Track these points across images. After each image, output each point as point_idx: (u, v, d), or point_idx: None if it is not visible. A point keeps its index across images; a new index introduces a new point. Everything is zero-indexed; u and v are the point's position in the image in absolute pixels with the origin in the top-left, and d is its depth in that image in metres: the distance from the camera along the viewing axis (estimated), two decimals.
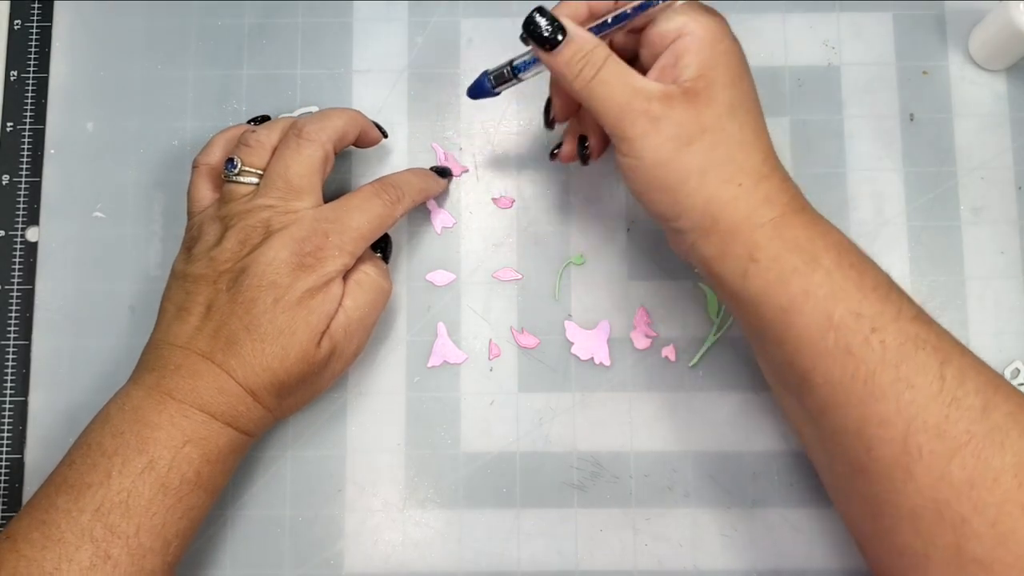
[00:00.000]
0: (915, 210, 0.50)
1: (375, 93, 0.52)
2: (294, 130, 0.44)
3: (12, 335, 0.50)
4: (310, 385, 0.44)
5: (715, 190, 0.38)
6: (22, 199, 0.51)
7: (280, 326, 0.41)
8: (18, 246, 0.51)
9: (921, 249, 0.50)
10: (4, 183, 0.51)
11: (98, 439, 0.40)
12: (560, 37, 0.39)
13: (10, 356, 0.50)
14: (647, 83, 0.39)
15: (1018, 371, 0.48)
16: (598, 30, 0.40)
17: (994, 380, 0.36)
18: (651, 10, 0.39)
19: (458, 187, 0.51)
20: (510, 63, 0.44)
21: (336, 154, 0.46)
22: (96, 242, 0.51)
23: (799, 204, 0.39)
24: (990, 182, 0.50)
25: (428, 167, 0.50)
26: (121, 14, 0.53)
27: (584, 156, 0.46)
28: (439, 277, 0.50)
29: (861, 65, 0.51)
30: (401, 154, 0.51)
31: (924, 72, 0.51)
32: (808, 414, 0.39)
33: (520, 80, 0.44)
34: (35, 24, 0.53)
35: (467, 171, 0.51)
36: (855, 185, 0.50)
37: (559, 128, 0.48)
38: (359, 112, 0.47)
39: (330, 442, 0.48)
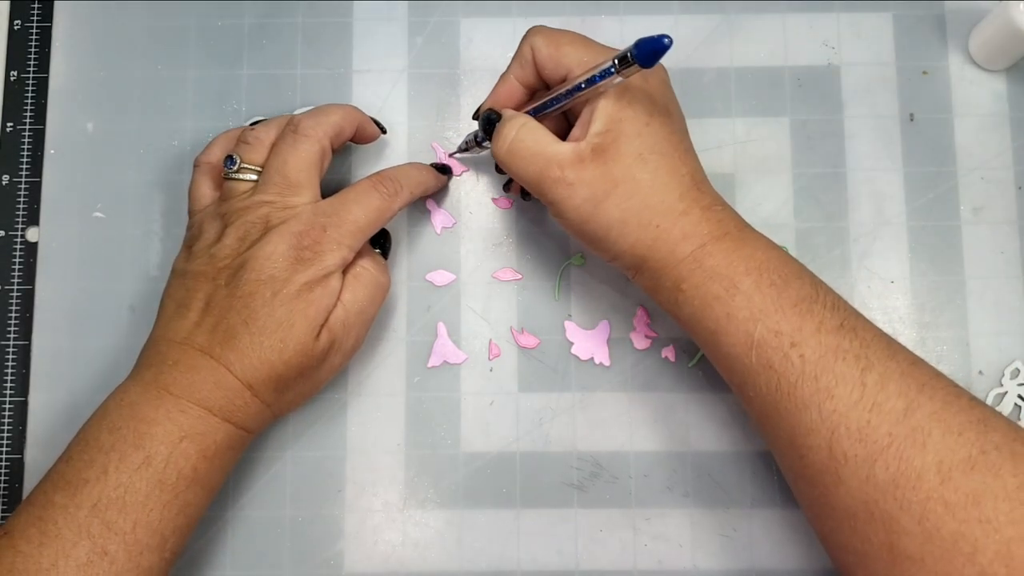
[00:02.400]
0: (915, 210, 0.50)
1: (375, 93, 0.52)
2: (290, 126, 0.45)
3: (12, 335, 0.50)
4: (308, 379, 0.44)
5: (636, 236, 0.41)
6: (22, 199, 0.51)
7: (278, 319, 0.41)
8: (18, 246, 0.51)
9: (921, 249, 0.50)
10: (4, 183, 0.51)
11: (95, 435, 0.40)
12: (497, 123, 0.44)
13: (10, 356, 0.50)
14: (558, 149, 0.41)
15: (1018, 371, 0.48)
16: (536, 111, 0.44)
17: (919, 380, 0.37)
18: (583, 93, 0.41)
19: (458, 187, 0.51)
20: (474, 135, 0.48)
21: (334, 150, 0.46)
22: (96, 242, 0.51)
23: (721, 231, 0.41)
24: (990, 182, 0.50)
25: (429, 163, 0.50)
26: (121, 14, 0.53)
27: (525, 194, 0.49)
28: (439, 277, 0.50)
29: (861, 65, 0.51)
30: (401, 154, 0.51)
31: (924, 72, 0.51)
32: (754, 425, 0.41)
33: (483, 149, 0.49)
34: (35, 24, 0.53)
35: (467, 171, 0.51)
36: (855, 185, 0.50)
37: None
38: (356, 107, 0.48)
39: (330, 442, 0.48)
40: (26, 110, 0.52)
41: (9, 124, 0.52)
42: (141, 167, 0.52)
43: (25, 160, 0.51)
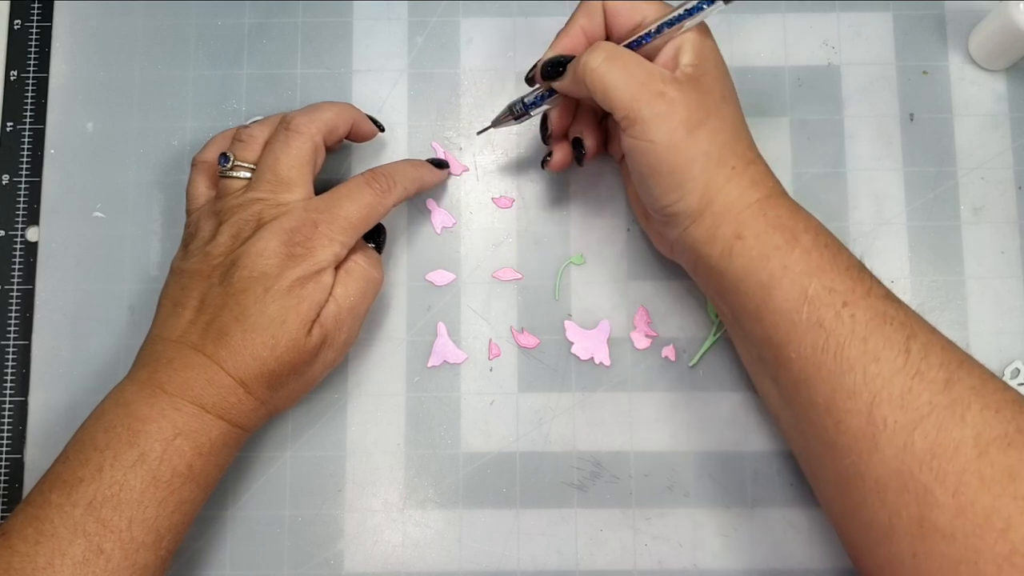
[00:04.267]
0: (915, 210, 0.50)
1: (375, 93, 0.52)
2: (283, 123, 0.45)
3: (12, 335, 0.50)
4: (301, 375, 0.44)
5: (713, 174, 0.40)
6: (22, 199, 0.51)
7: (271, 315, 0.41)
8: (18, 246, 0.51)
9: (921, 249, 0.50)
10: (4, 183, 0.51)
11: (91, 434, 0.40)
12: (566, 66, 0.43)
13: (10, 356, 0.50)
14: (658, 67, 0.41)
15: (1018, 371, 0.48)
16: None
17: (959, 356, 0.38)
18: (660, 36, 0.41)
19: (458, 187, 0.51)
20: (521, 100, 0.47)
21: (328, 148, 0.46)
22: (96, 242, 0.51)
23: (780, 189, 0.42)
24: (990, 182, 0.50)
25: (425, 159, 0.50)
26: (121, 14, 0.53)
27: (580, 157, 0.47)
28: (439, 277, 0.50)
29: (861, 65, 0.51)
30: (401, 154, 0.51)
31: (924, 72, 0.51)
32: (783, 394, 0.41)
33: (528, 116, 0.47)
34: (35, 24, 0.53)
35: (467, 171, 0.51)
36: (855, 185, 0.50)
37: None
38: (351, 105, 0.48)
39: (330, 442, 0.48)
40: (26, 110, 0.52)
41: (9, 124, 0.52)
42: (141, 167, 0.52)
43: (25, 160, 0.51)
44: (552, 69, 0.44)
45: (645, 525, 0.47)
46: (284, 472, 0.48)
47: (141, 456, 0.39)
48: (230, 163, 0.45)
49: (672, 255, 0.46)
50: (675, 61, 0.41)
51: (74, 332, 0.50)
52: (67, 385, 0.49)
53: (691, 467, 0.48)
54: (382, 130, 0.50)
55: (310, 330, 0.42)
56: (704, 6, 0.40)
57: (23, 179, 0.51)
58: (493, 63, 0.52)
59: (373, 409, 0.49)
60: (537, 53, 0.51)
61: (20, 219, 0.51)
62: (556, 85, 0.44)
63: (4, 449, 0.49)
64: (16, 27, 0.53)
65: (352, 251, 0.45)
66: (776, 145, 0.51)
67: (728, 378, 0.49)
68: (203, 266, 0.43)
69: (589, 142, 0.47)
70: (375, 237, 0.47)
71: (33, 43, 0.53)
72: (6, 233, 0.51)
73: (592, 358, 0.49)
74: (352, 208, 0.44)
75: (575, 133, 0.47)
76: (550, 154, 0.48)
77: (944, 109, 0.51)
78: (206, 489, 0.42)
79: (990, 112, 0.51)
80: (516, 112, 0.47)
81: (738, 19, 0.52)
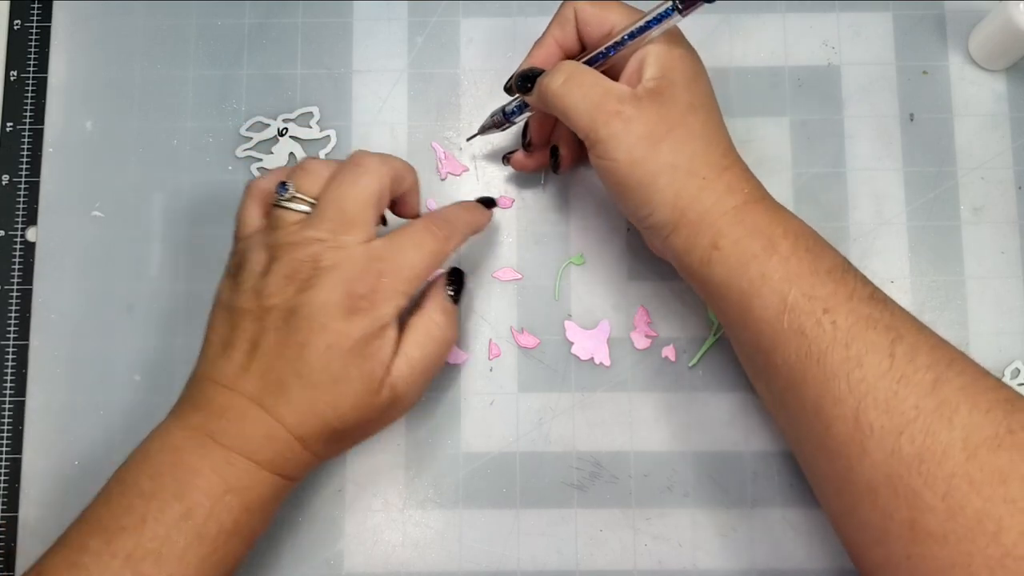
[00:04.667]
0: (915, 210, 0.50)
1: (375, 93, 0.52)
2: (352, 159, 0.42)
3: (11, 335, 0.50)
4: (363, 430, 0.42)
5: (683, 185, 0.40)
6: (21, 199, 0.51)
7: (334, 374, 0.39)
8: (17, 246, 0.51)
9: (921, 249, 0.50)
10: (3, 183, 0.51)
11: (135, 478, 0.39)
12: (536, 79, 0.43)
13: (9, 356, 0.50)
14: (616, 85, 0.41)
15: (1018, 371, 0.48)
16: (587, 63, 0.43)
17: (948, 355, 0.37)
18: (626, 47, 0.41)
19: (458, 187, 0.51)
20: (502, 109, 0.47)
21: (391, 199, 0.44)
22: (95, 242, 0.51)
23: (759, 194, 0.41)
24: (990, 182, 0.50)
25: (474, 198, 0.48)
26: (121, 14, 0.53)
27: (555, 165, 0.48)
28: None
29: (861, 65, 0.51)
30: (401, 154, 0.51)
31: (924, 72, 0.51)
32: (775, 397, 0.40)
33: (510, 124, 0.48)
34: (35, 24, 0.53)
35: (467, 171, 0.51)
36: (855, 185, 0.50)
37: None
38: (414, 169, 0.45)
39: None
40: (26, 110, 0.52)
41: (9, 124, 0.52)
42: (140, 167, 0.51)
43: (25, 160, 0.51)
44: (521, 84, 0.44)
45: (645, 525, 0.47)
46: None
47: (187, 512, 0.38)
48: (288, 193, 0.41)
49: (664, 257, 0.46)
50: (639, 74, 0.41)
51: (73, 332, 0.50)
52: (65, 386, 0.49)
53: (691, 467, 0.48)
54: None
55: (379, 389, 0.40)
56: (669, 14, 0.39)
57: (23, 179, 0.51)
58: (493, 63, 0.52)
59: None
60: None
61: (19, 219, 0.51)
62: (527, 99, 0.44)
63: (3, 449, 0.49)
64: (16, 27, 0.53)
65: (429, 304, 0.43)
66: (776, 145, 0.51)
67: (728, 378, 0.49)
68: (254, 306, 0.40)
69: (564, 151, 0.47)
70: (454, 289, 0.45)
71: (33, 43, 0.53)
72: (5, 233, 0.51)
73: (592, 358, 0.49)
74: (416, 257, 0.41)
75: (554, 141, 0.48)
76: (513, 151, 0.49)
77: (944, 109, 0.51)
78: (249, 542, 0.40)
79: (990, 112, 0.51)
80: (497, 120, 0.48)
81: (738, 19, 0.52)
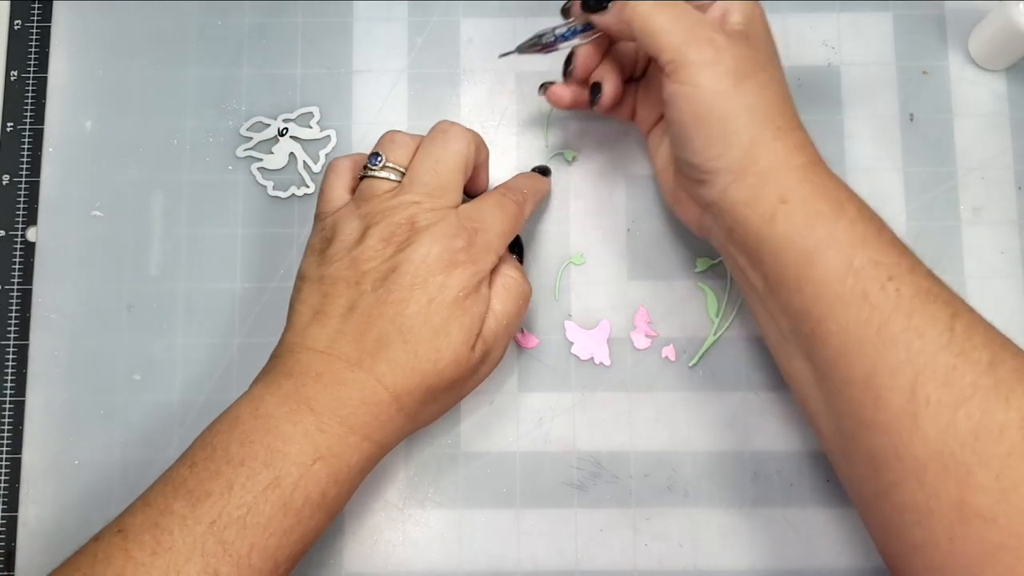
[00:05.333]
0: (915, 210, 0.50)
1: (375, 93, 0.52)
2: (440, 127, 0.43)
3: (11, 335, 0.50)
4: (455, 391, 0.42)
5: (759, 130, 0.39)
6: (21, 199, 0.51)
7: (434, 327, 0.39)
8: (17, 246, 0.51)
9: (921, 249, 0.49)
10: (3, 183, 0.51)
11: (224, 443, 0.38)
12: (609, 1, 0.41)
13: (9, 356, 0.50)
14: (707, 16, 0.40)
15: None
16: None
17: (1001, 338, 0.37)
18: None
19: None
20: (552, 31, 0.45)
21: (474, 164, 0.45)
22: (95, 242, 0.51)
23: (820, 158, 0.41)
24: (990, 182, 0.50)
25: (530, 169, 0.50)
26: (121, 14, 0.53)
27: (595, 101, 0.45)
28: None
29: (861, 65, 0.51)
30: None
31: (924, 72, 0.51)
32: (818, 370, 0.39)
33: (554, 49, 0.45)
34: (35, 24, 0.53)
35: None
36: (855, 185, 0.49)
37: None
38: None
39: None
40: (26, 110, 0.52)
41: (9, 124, 0.52)
42: (140, 167, 0.51)
43: (25, 160, 0.51)
44: (595, 2, 0.41)
45: (645, 525, 0.47)
46: None
47: (276, 480, 0.37)
48: (381, 162, 0.43)
49: (702, 226, 0.44)
50: (724, 20, 0.40)
51: (73, 332, 0.50)
52: (65, 385, 0.49)
53: (691, 467, 0.48)
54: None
55: (474, 345, 0.41)
56: None
57: (23, 179, 0.51)
58: (493, 63, 0.52)
59: None
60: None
61: (19, 219, 0.51)
62: (595, 19, 0.42)
63: (4, 449, 0.49)
64: (16, 27, 0.53)
65: (504, 264, 0.44)
66: None
67: (728, 378, 0.49)
68: (350, 272, 0.40)
69: (609, 88, 0.45)
70: (516, 248, 0.47)
71: (33, 43, 0.53)
72: (5, 233, 0.51)
73: (592, 358, 0.49)
74: (503, 217, 0.43)
75: (597, 77, 0.45)
76: (551, 82, 0.47)
77: (944, 109, 0.51)
78: (332, 516, 0.40)
79: (990, 112, 0.51)
80: (545, 41, 0.45)
81: None
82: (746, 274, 0.42)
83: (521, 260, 0.47)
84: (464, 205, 0.43)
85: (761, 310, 0.42)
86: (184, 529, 0.36)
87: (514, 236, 0.44)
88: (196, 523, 0.36)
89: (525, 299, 0.44)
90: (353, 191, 0.44)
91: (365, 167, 0.43)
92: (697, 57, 0.39)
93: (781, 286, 0.39)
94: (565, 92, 0.46)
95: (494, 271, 0.43)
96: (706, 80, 0.39)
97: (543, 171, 0.50)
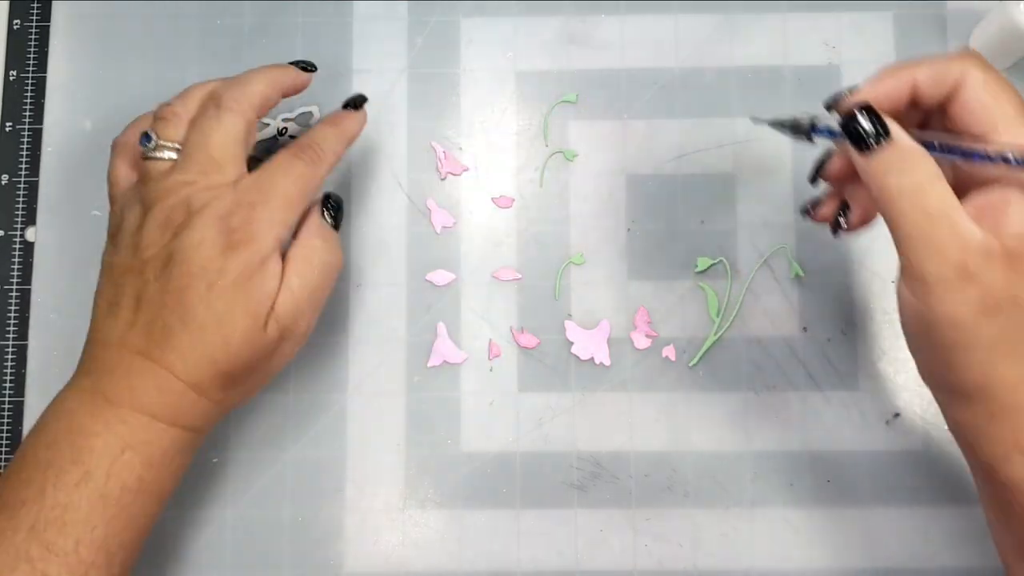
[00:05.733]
0: None
1: (375, 93, 0.52)
2: (212, 99, 0.41)
3: (11, 335, 0.50)
4: (258, 371, 0.41)
5: (1001, 368, 0.33)
6: (21, 199, 0.51)
7: (218, 313, 0.38)
8: (17, 246, 0.51)
9: None
10: (3, 183, 0.51)
11: (32, 450, 0.38)
12: (880, 142, 0.34)
13: (8, 356, 0.50)
14: (969, 226, 0.33)
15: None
16: (933, 149, 0.35)
17: None
18: (995, 165, 0.33)
19: (458, 187, 0.51)
20: (812, 123, 0.39)
21: (259, 119, 0.43)
22: (94, 241, 0.50)
23: None
24: None
25: (341, 103, 0.46)
26: (121, 14, 0.53)
27: (837, 224, 0.40)
28: (439, 277, 0.50)
29: (861, 64, 0.51)
30: (401, 154, 0.51)
31: None
32: None
33: (807, 140, 0.40)
34: (34, 24, 0.53)
35: (467, 171, 0.51)
36: None
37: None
38: (277, 67, 0.44)
39: (330, 442, 0.48)
40: (25, 109, 0.52)
41: (8, 124, 0.52)
42: None
43: (24, 160, 0.51)
44: (854, 133, 0.35)
45: (645, 525, 0.47)
46: (284, 472, 0.48)
47: (86, 474, 0.37)
48: (152, 143, 0.41)
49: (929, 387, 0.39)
50: (994, 216, 0.33)
51: (72, 332, 0.50)
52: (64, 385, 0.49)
53: (691, 467, 0.48)
54: (314, 70, 0.45)
55: (265, 324, 0.39)
56: None
57: (22, 179, 0.51)
58: (493, 63, 0.52)
59: (373, 409, 0.49)
60: (538, 53, 0.52)
61: (19, 219, 0.51)
62: (850, 153, 0.35)
63: (3, 449, 0.49)
64: (15, 27, 0.53)
65: (305, 232, 0.41)
66: (776, 145, 0.51)
67: (728, 378, 0.49)
68: (134, 261, 0.39)
69: (855, 215, 0.39)
70: (332, 211, 0.44)
71: (32, 43, 0.53)
72: (5, 233, 0.51)
73: (592, 358, 0.49)
74: (288, 183, 0.40)
75: (848, 194, 0.40)
76: (815, 203, 0.41)
77: None
78: (160, 500, 0.40)
79: None
80: (801, 129, 0.39)
81: (738, 19, 0.52)
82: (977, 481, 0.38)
83: (337, 224, 0.44)
84: (247, 177, 0.40)
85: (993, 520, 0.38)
86: (4, 541, 0.36)
87: (307, 200, 0.41)
88: (15, 532, 0.36)
89: (330, 268, 0.42)
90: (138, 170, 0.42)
91: (140, 149, 0.41)
92: (935, 276, 0.33)
93: (1015, 518, 0.35)
94: (829, 212, 0.41)
95: (294, 241, 0.41)
96: (940, 305, 0.33)
97: (355, 103, 0.46)
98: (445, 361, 0.49)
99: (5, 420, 0.49)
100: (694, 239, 0.50)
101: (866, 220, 0.40)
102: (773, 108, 0.51)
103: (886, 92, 0.36)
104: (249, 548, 0.47)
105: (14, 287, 0.50)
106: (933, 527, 0.47)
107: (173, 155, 0.41)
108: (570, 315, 0.49)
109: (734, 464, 0.48)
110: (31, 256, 0.50)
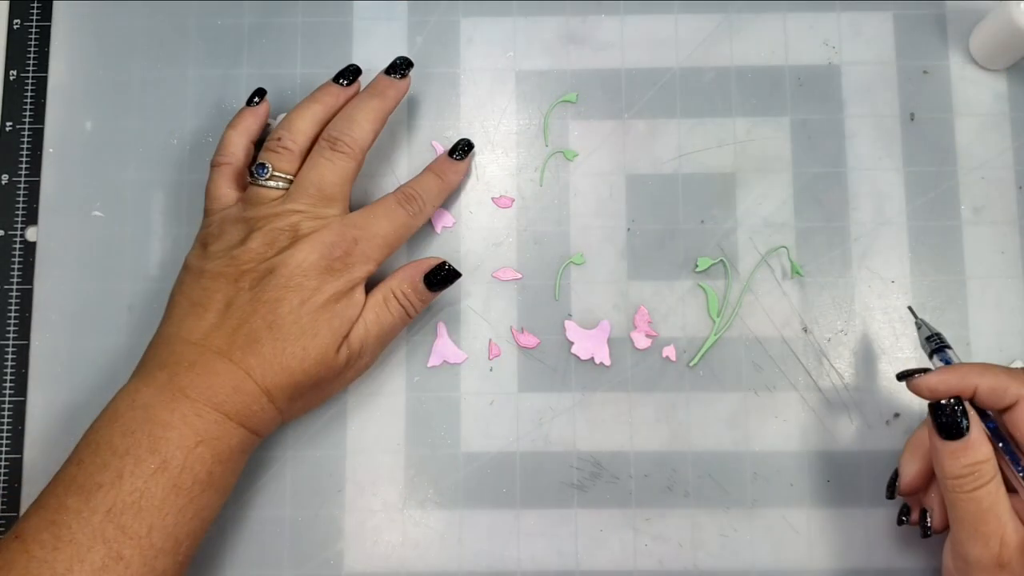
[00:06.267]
0: (915, 210, 0.50)
1: None
2: (327, 140, 0.45)
3: (11, 335, 0.50)
4: (321, 390, 0.44)
5: None
6: (21, 198, 0.51)
7: (303, 327, 0.42)
8: (17, 246, 0.51)
9: (921, 249, 0.50)
10: (3, 183, 0.51)
11: (107, 437, 0.40)
12: (962, 435, 0.38)
13: (9, 356, 0.50)
14: (1012, 523, 0.38)
15: None
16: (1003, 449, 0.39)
17: None
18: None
19: (458, 187, 0.51)
20: (934, 348, 0.43)
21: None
22: (94, 241, 0.51)
23: None
24: (990, 182, 0.50)
25: (446, 150, 0.49)
26: (121, 14, 0.53)
27: (925, 528, 0.43)
28: None
29: (861, 64, 0.51)
30: (401, 154, 0.51)
31: (924, 71, 0.51)
32: None
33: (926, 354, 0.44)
34: (34, 24, 0.53)
35: (466, 175, 0.51)
36: (855, 185, 0.50)
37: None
38: (378, 95, 0.47)
39: (330, 442, 0.48)
40: (25, 109, 0.52)
41: (8, 123, 0.52)
42: (140, 166, 0.51)
43: (24, 159, 0.51)
44: (944, 420, 0.39)
45: (645, 525, 0.47)
46: (284, 472, 0.48)
47: (163, 464, 0.39)
48: (268, 174, 0.45)
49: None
50: None
51: (73, 332, 0.50)
52: (66, 385, 0.49)
53: (691, 467, 0.48)
54: (409, 68, 0.49)
55: (340, 347, 0.43)
56: None
57: (22, 179, 0.51)
58: (493, 63, 0.52)
59: (373, 409, 0.49)
60: (538, 53, 0.52)
61: (19, 219, 0.51)
62: (936, 444, 0.39)
63: (3, 449, 0.49)
64: (15, 27, 0.53)
65: (399, 273, 0.45)
66: (776, 145, 0.51)
67: (728, 378, 0.49)
68: (229, 269, 0.42)
69: (937, 518, 0.43)
70: (442, 276, 0.46)
71: (32, 43, 0.53)
72: (5, 233, 0.51)
73: (592, 358, 0.49)
74: (388, 227, 0.45)
75: (924, 503, 0.43)
76: (906, 511, 0.44)
77: (944, 109, 0.51)
78: (223, 494, 0.42)
79: (990, 112, 0.51)
80: (924, 345, 0.44)
81: (738, 19, 0.52)
82: None
83: (441, 285, 0.46)
84: (353, 213, 0.45)
85: None
86: (81, 521, 0.38)
87: (401, 243, 0.46)
88: (92, 514, 0.38)
89: (403, 320, 0.46)
90: (240, 188, 0.46)
91: (251, 173, 0.45)
92: (976, 557, 0.38)
93: None
94: (916, 517, 0.44)
95: (382, 282, 0.45)
96: None
97: (461, 151, 0.49)
98: (445, 361, 0.49)
99: (6, 420, 0.49)
100: (694, 239, 0.50)
101: (945, 524, 0.42)
102: (773, 108, 0.51)
103: (948, 389, 0.39)
104: (249, 548, 0.47)
105: (14, 287, 0.50)
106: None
107: (285, 186, 0.45)
108: (570, 315, 0.49)
109: (734, 464, 0.48)
110: (31, 256, 0.50)
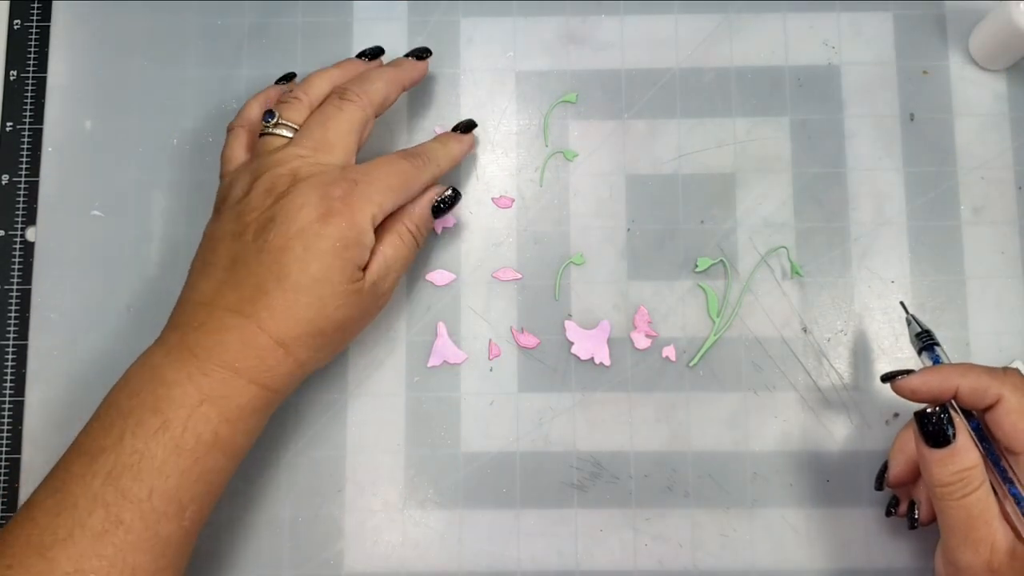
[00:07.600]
0: (915, 210, 0.50)
1: None
2: (337, 91, 0.45)
3: (11, 335, 0.50)
4: (347, 331, 0.43)
5: None
6: (21, 199, 0.51)
7: (313, 276, 0.40)
8: (17, 246, 0.51)
9: (921, 249, 0.50)
10: (3, 183, 0.51)
11: (115, 400, 0.39)
12: (948, 443, 0.38)
13: (8, 355, 0.50)
14: (1001, 529, 0.38)
15: (1018, 371, 0.48)
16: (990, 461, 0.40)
17: None
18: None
19: (458, 187, 0.51)
20: (922, 344, 0.44)
21: (376, 117, 0.46)
22: (94, 241, 0.51)
23: None
24: (990, 182, 0.50)
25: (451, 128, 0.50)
26: (121, 13, 0.53)
27: (912, 520, 0.44)
28: (439, 277, 0.50)
29: (861, 65, 0.51)
30: None
31: (924, 72, 0.51)
32: None
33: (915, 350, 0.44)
34: (34, 24, 0.53)
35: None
36: (855, 185, 0.50)
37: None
38: (396, 67, 0.48)
39: (330, 442, 0.48)
40: (25, 109, 0.52)
41: (8, 123, 0.52)
42: (140, 166, 0.51)
43: (24, 159, 0.51)
44: (929, 427, 0.38)
45: (645, 525, 0.47)
46: (284, 472, 0.48)
47: (164, 424, 0.38)
48: (275, 120, 0.44)
49: None
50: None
51: (72, 332, 0.50)
52: (65, 385, 0.49)
53: (691, 467, 0.48)
54: (428, 55, 0.49)
55: (361, 287, 0.42)
56: None
57: (22, 179, 0.51)
58: (493, 63, 0.52)
59: (373, 409, 0.49)
60: (538, 53, 0.52)
61: (19, 218, 0.51)
62: (923, 452, 0.39)
63: (3, 449, 0.49)
64: (15, 27, 0.53)
65: (403, 214, 0.45)
66: (776, 145, 0.51)
67: (728, 378, 0.49)
68: (234, 225, 0.41)
69: (923, 511, 0.43)
70: (447, 198, 0.46)
71: (32, 43, 0.53)
72: (5, 233, 0.51)
73: (592, 358, 0.49)
74: (391, 173, 0.43)
75: (913, 495, 0.44)
76: (895, 503, 0.45)
77: (944, 109, 0.51)
78: (233, 458, 0.41)
79: (990, 112, 0.51)
80: (914, 341, 0.44)
81: (738, 19, 0.52)
82: None
83: (446, 207, 0.46)
84: (353, 165, 0.44)
85: None
86: (83, 486, 0.37)
87: (406, 195, 0.44)
88: (93, 478, 0.37)
89: (414, 252, 0.46)
90: (252, 150, 0.46)
91: (263, 125, 0.45)
92: (966, 563, 0.38)
93: None
94: (904, 510, 0.45)
95: (393, 218, 0.44)
96: None
97: (466, 127, 0.49)
98: (445, 361, 0.49)
99: (6, 420, 0.49)
100: (694, 239, 0.50)
101: (933, 518, 0.43)
102: (773, 108, 0.51)
103: (929, 390, 0.40)
104: (249, 548, 0.47)
105: (14, 287, 0.50)
106: (932, 527, 0.47)
107: (290, 134, 0.44)
108: (570, 315, 0.49)
109: (734, 464, 0.48)
110: (31, 256, 0.50)
